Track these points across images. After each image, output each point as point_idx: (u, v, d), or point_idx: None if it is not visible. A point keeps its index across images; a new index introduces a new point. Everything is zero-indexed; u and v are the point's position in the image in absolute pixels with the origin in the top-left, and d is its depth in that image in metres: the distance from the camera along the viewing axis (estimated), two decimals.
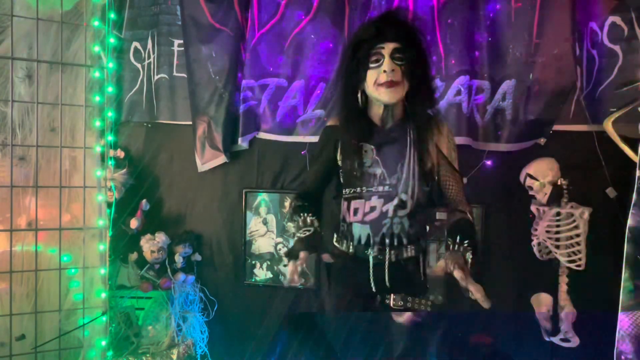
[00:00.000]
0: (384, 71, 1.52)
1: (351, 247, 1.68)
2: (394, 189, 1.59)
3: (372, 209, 1.61)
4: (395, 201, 1.59)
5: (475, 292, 1.37)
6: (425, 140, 1.61)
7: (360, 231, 1.65)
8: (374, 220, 1.62)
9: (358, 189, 1.63)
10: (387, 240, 1.61)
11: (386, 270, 1.63)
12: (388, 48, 1.53)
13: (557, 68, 2.15)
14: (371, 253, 1.63)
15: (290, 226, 1.74)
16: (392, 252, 1.62)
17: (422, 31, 1.65)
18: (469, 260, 1.45)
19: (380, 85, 1.54)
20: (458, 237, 1.51)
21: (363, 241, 1.64)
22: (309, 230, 1.63)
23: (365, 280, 1.64)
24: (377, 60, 1.54)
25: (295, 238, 1.65)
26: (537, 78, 2.19)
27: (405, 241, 1.62)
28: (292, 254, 1.59)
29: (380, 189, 1.60)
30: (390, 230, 1.61)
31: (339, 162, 1.68)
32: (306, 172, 1.82)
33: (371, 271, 1.63)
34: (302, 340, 1.75)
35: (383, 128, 1.64)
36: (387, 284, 1.63)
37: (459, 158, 1.69)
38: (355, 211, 1.64)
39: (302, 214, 1.67)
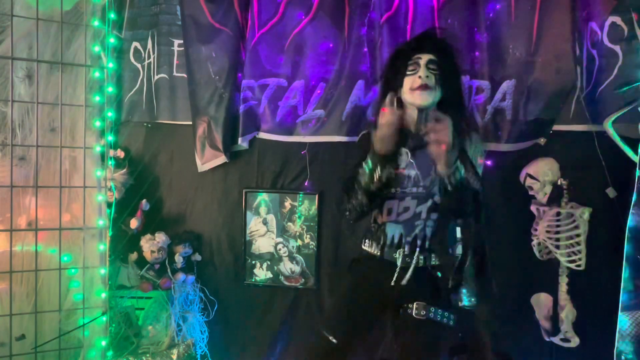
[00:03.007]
0: (419, 77, 1.66)
1: (383, 248, 1.72)
2: (428, 191, 1.67)
3: (406, 209, 1.69)
4: (429, 203, 1.67)
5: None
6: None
7: (393, 230, 1.71)
8: (407, 221, 1.69)
9: (392, 190, 1.70)
10: (418, 242, 1.68)
11: (415, 274, 1.65)
12: (424, 58, 1.69)
13: (557, 68, 2.15)
14: (400, 255, 1.68)
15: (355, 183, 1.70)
16: (422, 255, 1.67)
17: (458, 49, 1.79)
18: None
19: (415, 89, 1.66)
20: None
21: (396, 241, 1.70)
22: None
23: (389, 285, 1.68)
24: (413, 69, 1.69)
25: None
26: (537, 78, 2.18)
27: (434, 245, 1.68)
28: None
29: (414, 190, 1.69)
30: (423, 232, 1.68)
31: None
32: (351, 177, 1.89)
33: (397, 274, 1.67)
34: None
35: (417, 134, 1.72)
36: (413, 287, 1.65)
37: None
38: (389, 211, 1.71)
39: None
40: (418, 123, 1.72)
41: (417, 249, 1.67)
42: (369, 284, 1.75)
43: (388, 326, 1.73)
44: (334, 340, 1.66)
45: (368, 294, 1.73)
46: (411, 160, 1.70)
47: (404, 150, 1.72)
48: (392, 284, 1.67)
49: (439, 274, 1.68)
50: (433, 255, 1.68)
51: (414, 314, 1.62)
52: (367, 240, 1.81)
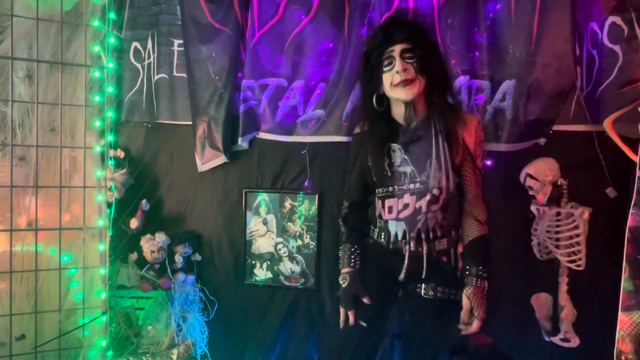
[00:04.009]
0: (397, 72, 1.61)
1: (388, 242, 1.73)
2: (425, 185, 1.65)
3: (406, 206, 1.68)
4: (428, 197, 1.65)
5: (474, 328, 1.61)
6: (451, 131, 1.67)
7: (396, 228, 1.71)
8: (408, 217, 1.68)
9: (390, 188, 1.70)
10: (422, 235, 1.68)
11: (424, 263, 1.68)
12: (397, 50, 1.62)
13: (557, 68, 2.15)
14: (407, 248, 1.69)
15: (340, 253, 1.88)
16: (427, 245, 1.68)
17: (428, 26, 1.73)
18: (486, 290, 1.64)
19: (396, 85, 1.62)
20: (480, 268, 1.64)
21: (400, 237, 1.70)
22: (351, 269, 1.77)
23: (398, 271, 1.71)
24: (389, 64, 1.63)
25: (341, 283, 1.78)
26: (537, 78, 2.18)
27: (439, 233, 1.69)
28: (345, 304, 1.74)
29: (412, 186, 1.67)
30: (425, 225, 1.67)
31: (370, 165, 1.74)
32: (347, 182, 1.90)
33: (405, 264, 1.69)
34: None
35: (408, 127, 1.71)
36: (423, 275, 1.68)
37: None
38: (390, 209, 1.71)
39: (351, 246, 1.80)
40: (407, 117, 1.69)
41: (423, 242, 1.68)
42: (380, 269, 1.77)
43: (399, 305, 1.76)
44: (364, 324, 1.70)
45: (380, 278, 1.76)
46: (405, 157, 1.68)
47: (397, 146, 1.70)
48: (402, 274, 1.70)
49: (445, 259, 1.70)
50: (437, 242, 1.69)
51: (422, 294, 1.66)
52: (373, 228, 1.82)
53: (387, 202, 1.71)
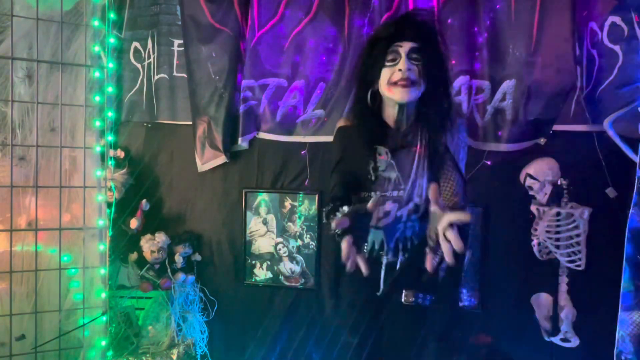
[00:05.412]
0: (399, 70, 1.49)
1: (364, 250, 1.61)
2: (408, 194, 1.55)
3: (386, 214, 1.57)
4: (410, 206, 1.56)
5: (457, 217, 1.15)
6: (437, 142, 1.56)
7: (374, 237, 1.61)
8: (388, 226, 1.58)
9: (372, 194, 1.57)
10: (400, 245, 1.59)
11: (402, 271, 1.60)
12: (405, 47, 1.50)
13: (557, 68, 2.15)
14: (384, 259, 1.60)
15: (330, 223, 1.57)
16: (405, 254, 1.59)
17: (442, 33, 1.61)
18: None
19: (394, 84, 1.50)
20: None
21: (377, 246, 1.61)
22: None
23: (376, 282, 1.62)
24: (393, 59, 1.51)
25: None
26: (537, 78, 2.18)
27: (416, 242, 1.59)
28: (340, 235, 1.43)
29: (395, 193, 1.56)
30: (404, 234, 1.59)
31: (354, 166, 1.61)
32: (332, 178, 1.72)
33: (383, 274, 1.60)
34: None
35: (397, 131, 1.59)
36: (401, 284, 1.60)
37: None
38: None
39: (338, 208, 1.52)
40: (398, 120, 1.57)
41: (400, 252, 1.59)
42: (357, 280, 1.64)
43: (378, 315, 1.66)
44: (352, 340, 1.62)
45: (357, 291, 1.67)
46: (391, 162, 1.56)
47: (384, 150, 1.57)
48: (381, 285, 1.62)
49: (420, 264, 1.63)
50: (415, 251, 1.59)
51: (402, 301, 1.58)
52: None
53: None
